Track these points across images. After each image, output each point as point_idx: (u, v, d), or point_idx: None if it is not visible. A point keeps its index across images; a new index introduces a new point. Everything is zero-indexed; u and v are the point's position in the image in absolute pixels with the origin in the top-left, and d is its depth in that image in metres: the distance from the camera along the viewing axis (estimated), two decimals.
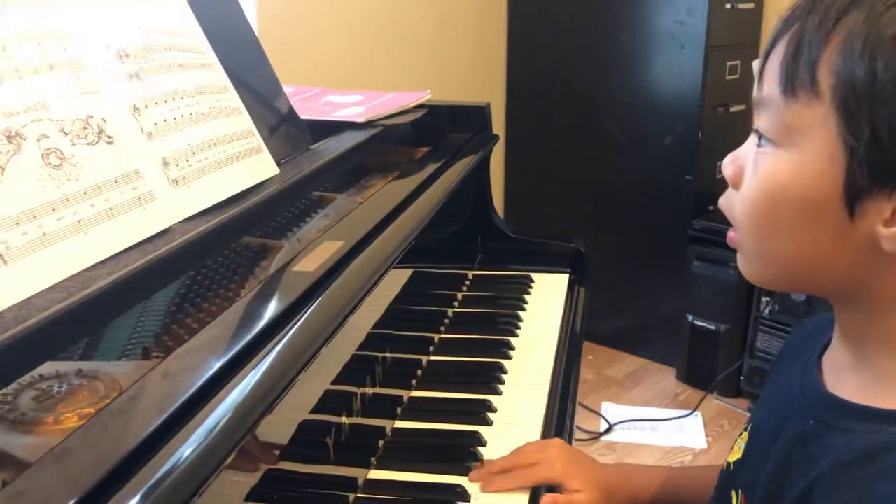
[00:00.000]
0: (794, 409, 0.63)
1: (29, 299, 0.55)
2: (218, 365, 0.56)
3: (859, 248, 0.54)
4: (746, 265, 0.62)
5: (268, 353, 0.60)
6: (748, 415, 0.76)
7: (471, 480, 0.84)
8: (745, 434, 0.71)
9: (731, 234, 0.62)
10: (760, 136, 0.58)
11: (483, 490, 0.82)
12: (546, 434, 0.95)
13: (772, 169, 0.56)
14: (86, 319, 0.57)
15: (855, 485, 0.54)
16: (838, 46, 0.52)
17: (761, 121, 0.58)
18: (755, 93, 0.59)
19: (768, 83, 0.57)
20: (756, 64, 0.60)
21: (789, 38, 0.55)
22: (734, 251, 0.63)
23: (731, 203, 0.61)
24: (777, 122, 0.56)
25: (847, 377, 0.61)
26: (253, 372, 0.57)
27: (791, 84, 0.54)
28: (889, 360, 0.57)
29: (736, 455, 0.70)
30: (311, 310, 0.67)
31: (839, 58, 0.52)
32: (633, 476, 0.90)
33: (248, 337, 0.61)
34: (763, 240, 0.59)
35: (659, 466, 0.94)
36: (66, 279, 0.58)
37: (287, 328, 0.64)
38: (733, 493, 0.68)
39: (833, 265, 0.56)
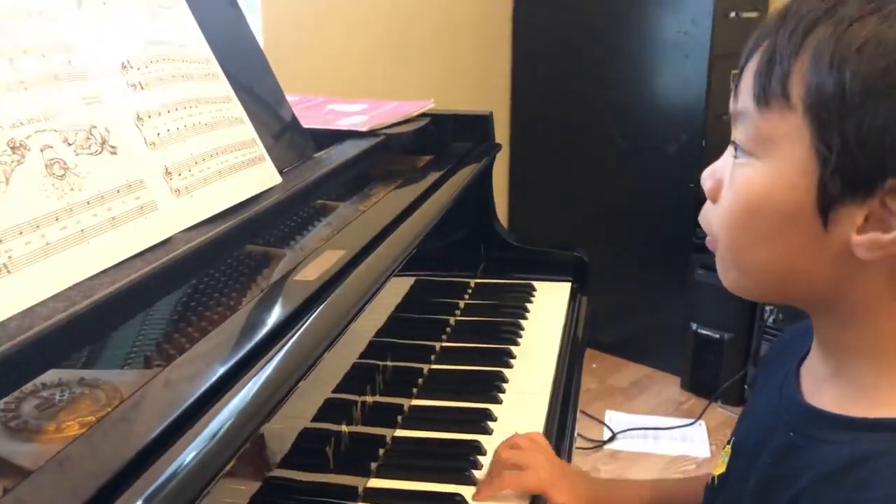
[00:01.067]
0: (776, 422, 0.63)
1: (32, 308, 0.55)
2: (219, 373, 0.57)
3: (835, 257, 0.55)
4: (725, 274, 0.63)
5: (268, 362, 0.61)
6: None
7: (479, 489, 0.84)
8: (729, 447, 0.71)
9: (709, 238, 0.63)
10: (737, 148, 0.59)
11: (474, 499, 0.82)
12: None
13: (748, 180, 0.57)
14: (88, 328, 0.58)
15: (838, 496, 0.54)
16: (808, 59, 0.53)
17: (737, 132, 0.59)
18: (731, 106, 0.60)
19: (743, 96, 0.58)
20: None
21: (762, 52, 0.56)
22: None
23: (708, 216, 0.62)
24: (752, 134, 0.57)
25: (825, 387, 0.61)
26: (254, 380, 0.58)
27: (764, 96, 0.56)
28: (866, 369, 0.58)
29: (720, 469, 0.70)
30: (311, 318, 0.68)
31: (809, 70, 0.53)
32: (620, 490, 0.89)
33: (249, 345, 0.61)
34: (740, 250, 0.60)
35: (651, 480, 0.93)
36: (69, 288, 0.59)
37: (288, 337, 0.64)
38: None
39: (810, 274, 0.57)
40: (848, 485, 0.54)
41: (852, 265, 0.55)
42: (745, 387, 2.51)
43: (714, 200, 0.62)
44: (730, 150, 0.60)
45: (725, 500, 0.68)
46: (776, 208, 0.56)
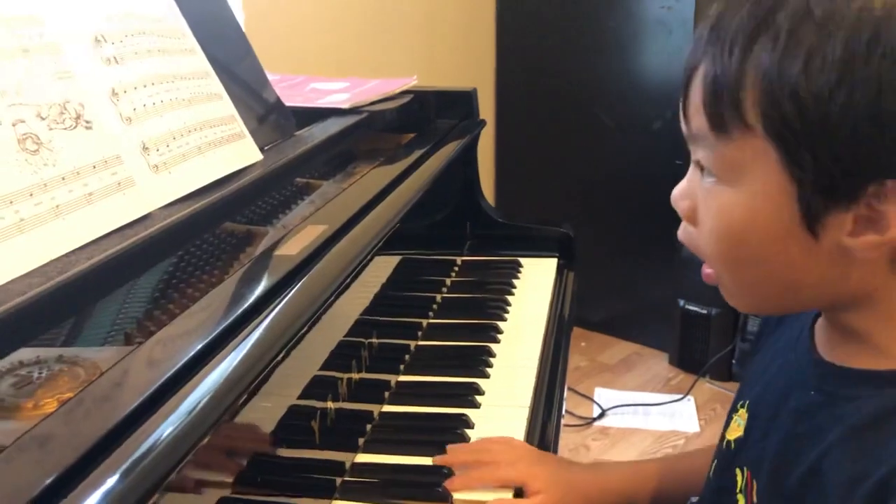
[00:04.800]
0: (794, 382, 0.63)
1: (7, 284, 0.55)
2: (198, 347, 0.56)
3: (830, 260, 0.54)
4: (730, 297, 0.62)
5: (249, 335, 0.60)
6: None
7: (434, 462, 0.83)
8: (743, 411, 0.70)
9: (705, 269, 0.62)
10: (703, 170, 0.58)
11: (447, 487, 0.79)
12: (534, 417, 0.95)
13: (725, 208, 0.56)
14: (65, 304, 0.57)
15: (868, 448, 0.54)
16: (756, 81, 0.51)
17: (698, 154, 0.58)
18: (684, 128, 0.58)
19: (695, 119, 0.56)
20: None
21: (703, 73, 0.55)
22: None
23: (693, 239, 0.61)
24: (716, 160, 0.56)
25: (842, 345, 0.61)
26: (233, 354, 0.57)
27: (720, 123, 0.54)
28: (878, 335, 0.58)
29: (736, 432, 0.70)
30: (292, 293, 0.67)
31: (761, 92, 0.51)
32: (609, 475, 0.88)
33: (230, 320, 0.61)
34: (736, 272, 0.59)
35: (641, 462, 0.92)
36: (45, 264, 0.58)
37: (268, 311, 0.64)
38: (738, 472, 0.68)
39: (809, 282, 0.57)
40: (877, 437, 0.54)
41: (849, 261, 0.54)
42: (733, 362, 2.52)
43: (692, 223, 0.60)
44: (695, 171, 0.59)
45: (745, 463, 0.67)
46: (762, 231, 0.55)
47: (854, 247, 0.53)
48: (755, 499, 0.65)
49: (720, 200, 0.57)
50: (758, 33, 0.51)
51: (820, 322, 0.65)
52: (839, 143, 0.50)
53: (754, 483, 0.65)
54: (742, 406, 0.71)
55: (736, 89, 0.52)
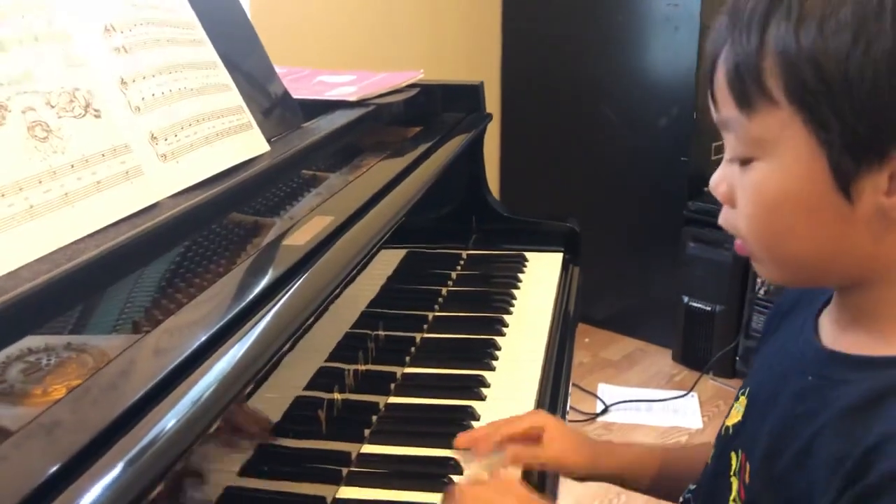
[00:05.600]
0: (793, 367, 0.64)
1: (15, 271, 0.55)
2: (205, 337, 0.56)
3: (866, 225, 0.55)
4: (765, 271, 0.62)
5: (255, 326, 0.60)
6: None
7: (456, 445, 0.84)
8: (743, 398, 0.71)
9: (738, 242, 0.63)
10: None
11: (455, 444, 0.82)
12: (539, 407, 0.95)
13: (759, 183, 0.57)
14: (73, 291, 0.57)
15: (856, 430, 0.54)
16: (775, 53, 0.53)
17: (730, 139, 0.59)
18: (714, 116, 0.60)
19: (723, 105, 0.58)
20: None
21: (725, 57, 0.56)
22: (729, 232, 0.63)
23: (731, 221, 0.62)
24: (747, 139, 0.57)
25: (845, 334, 0.61)
26: (240, 343, 0.57)
27: (745, 100, 0.55)
28: (887, 315, 0.58)
29: (735, 418, 0.71)
30: (299, 283, 0.67)
31: (780, 63, 0.53)
32: (616, 444, 0.90)
33: (236, 310, 0.61)
34: (772, 247, 0.60)
35: (648, 444, 0.93)
36: (54, 251, 0.58)
37: (275, 301, 0.64)
38: (733, 455, 0.69)
39: (846, 250, 0.57)
40: (866, 419, 0.54)
41: (887, 225, 0.54)
42: (737, 359, 2.51)
43: (731, 205, 0.61)
44: (729, 154, 0.60)
45: (741, 446, 0.68)
46: (796, 201, 0.56)
47: (891, 206, 0.53)
48: (747, 480, 0.66)
49: (753, 177, 0.58)
50: (771, 10, 0.53)
51: (827, 311, 0.65)
52: (861, 99, 0.51)
53: (748, 465, 0.66)
54: (743, 394, 0.72)
55: (756, 64, 0.54)
